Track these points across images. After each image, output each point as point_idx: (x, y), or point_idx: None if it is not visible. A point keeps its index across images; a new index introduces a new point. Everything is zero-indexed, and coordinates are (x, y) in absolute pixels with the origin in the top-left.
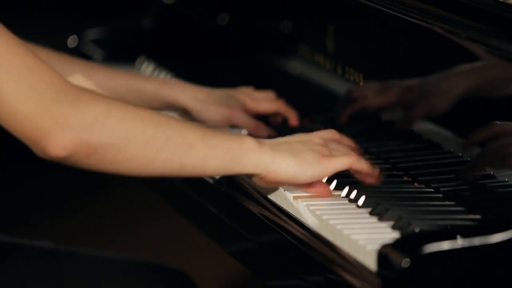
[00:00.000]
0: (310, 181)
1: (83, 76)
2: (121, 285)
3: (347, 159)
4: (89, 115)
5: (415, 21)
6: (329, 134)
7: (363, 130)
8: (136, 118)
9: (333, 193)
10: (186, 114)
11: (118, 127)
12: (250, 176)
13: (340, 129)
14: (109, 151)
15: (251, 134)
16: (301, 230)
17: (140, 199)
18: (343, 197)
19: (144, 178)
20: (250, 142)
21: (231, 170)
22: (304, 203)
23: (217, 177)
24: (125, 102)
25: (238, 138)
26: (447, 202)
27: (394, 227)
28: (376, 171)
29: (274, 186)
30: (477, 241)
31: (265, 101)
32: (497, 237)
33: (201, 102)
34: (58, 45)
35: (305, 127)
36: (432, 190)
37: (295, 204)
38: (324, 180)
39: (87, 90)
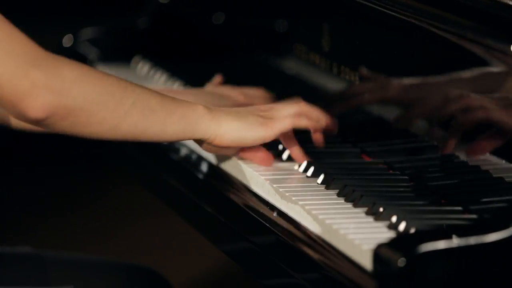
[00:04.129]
0: (255, 143)
1: None
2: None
3: (289, 119)
4: (66, 80)
5: (410, 20)
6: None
7: (357, 129)
8: (107, 83)
9: (328, 193)
10: None
11: (92, 91)
12: (199, 143)
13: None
14: (83, 114)
15: None
16: (298, 231)
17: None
18: (339, 196)
19: (111, 141)
20: (201, 109)
21: (185, 136)
22: (301, 203)
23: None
24: (94, 69)
25: (191, 105)
26: (443, 201)
27: (389, 227)
28: (327, 120)
29: (222, 152)
30: (472, 240)
31: (257, 97)
32: (492, 236)
33: None
34: (53, 44)
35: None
36: (427, 189)
37: (293, 204)
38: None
39: (61, 56)
